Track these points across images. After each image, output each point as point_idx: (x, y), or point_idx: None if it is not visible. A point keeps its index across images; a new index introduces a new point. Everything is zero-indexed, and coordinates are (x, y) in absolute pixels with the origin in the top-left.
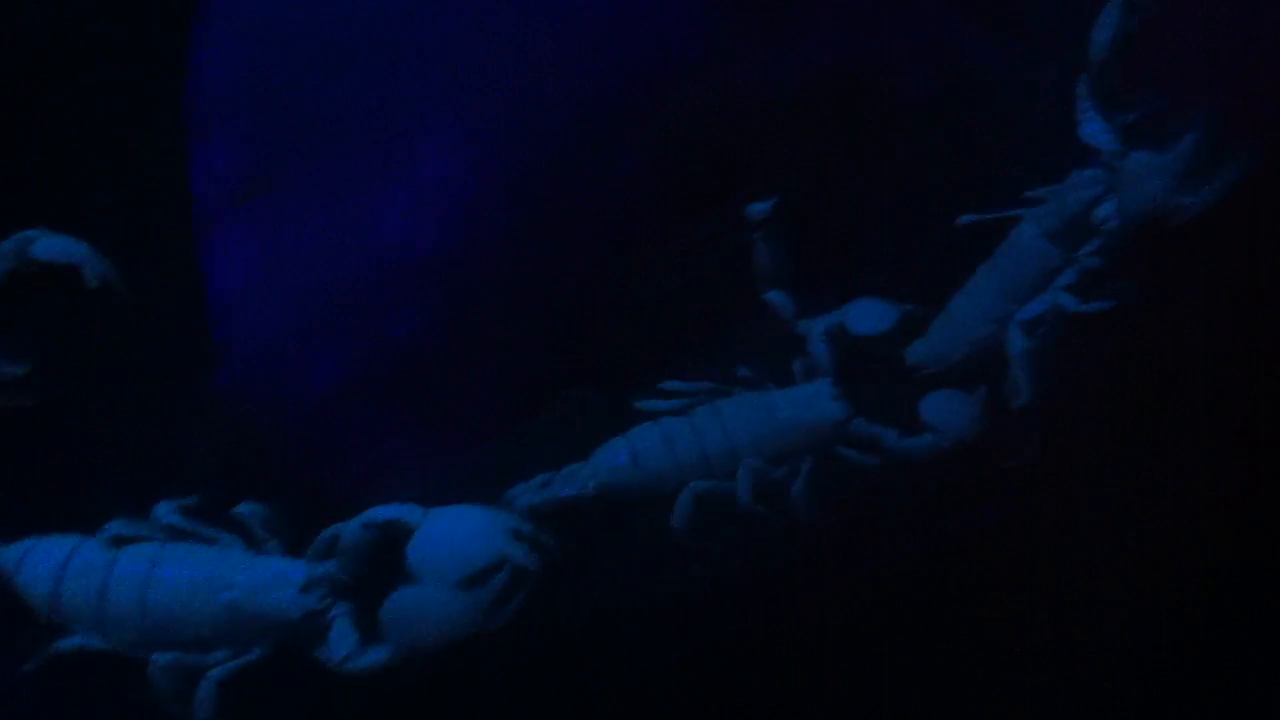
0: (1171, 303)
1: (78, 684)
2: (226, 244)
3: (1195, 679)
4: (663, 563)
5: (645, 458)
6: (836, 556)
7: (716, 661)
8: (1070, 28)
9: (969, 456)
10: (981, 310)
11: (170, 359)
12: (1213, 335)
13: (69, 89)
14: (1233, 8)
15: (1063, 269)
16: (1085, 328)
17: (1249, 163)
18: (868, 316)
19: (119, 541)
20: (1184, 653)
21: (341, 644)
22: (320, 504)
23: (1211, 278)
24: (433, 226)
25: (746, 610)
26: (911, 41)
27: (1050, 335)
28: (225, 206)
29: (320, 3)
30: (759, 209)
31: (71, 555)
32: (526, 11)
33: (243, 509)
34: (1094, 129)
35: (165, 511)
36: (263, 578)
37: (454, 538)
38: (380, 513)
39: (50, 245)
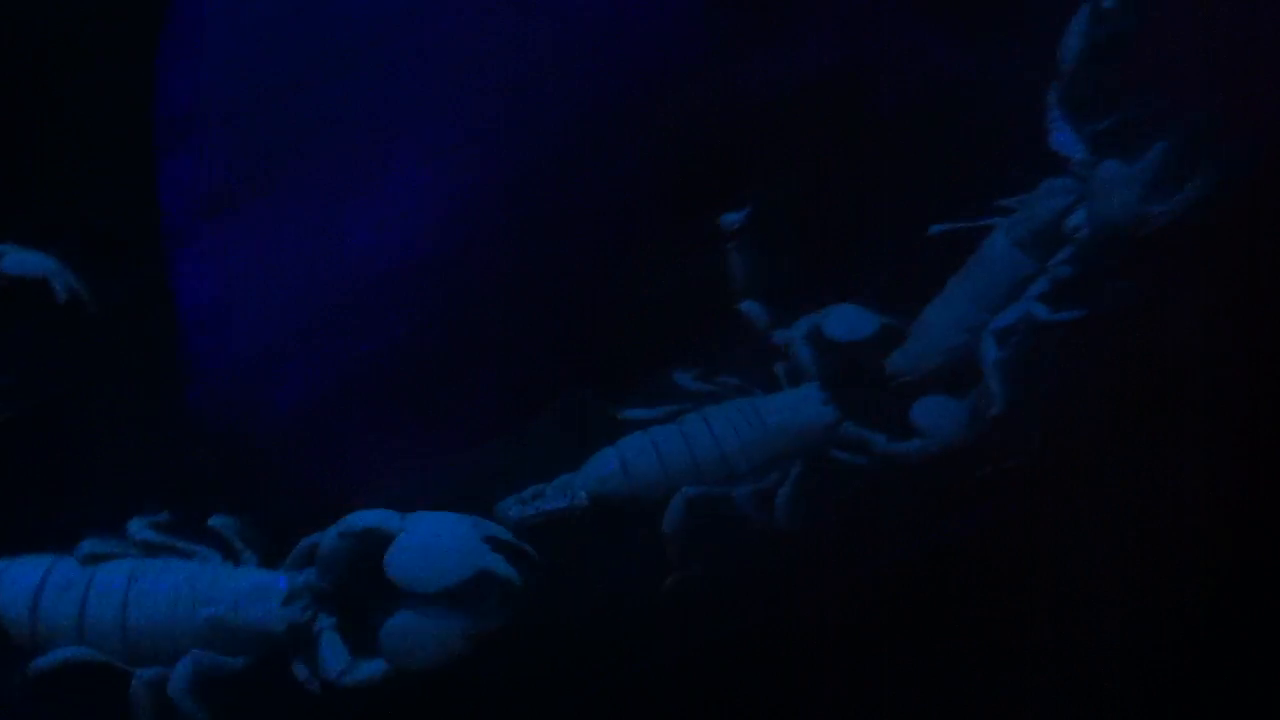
0: (1171, 303)
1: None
2: (196, 258)
3: (1195, 679)
4: (658, 566)
5: (635, 466)
6: (836, 556)
7: (716, 661)
8: (1040, 36)
9: (967, 457)
10: (955, 319)
11: (141, 374)
12: (1212, 335)
13: (36, 103)
14: (1203, 16)
15: (1035, 278)
16: (1085, 329)
17: (1218, 173)
18: (846, 322)
19: (94, 559)
20: (1184, 653)
21: (335, 659)
22: (294, 515)
23: (1211, 278)
24: (404, 238)
25: (746, 610)
26: (888, 51)
27: (1023, 344)
28: (195, 220)
29: (290, 15)
30: (732, 219)
31: (47, 575)
32: (505, 19)
33: (216, 521)
34: (1064, 138)
35: (139, 527)
36: (244, 592)
37: (431, 550)
38: (357, 520)
39: (19, 260)
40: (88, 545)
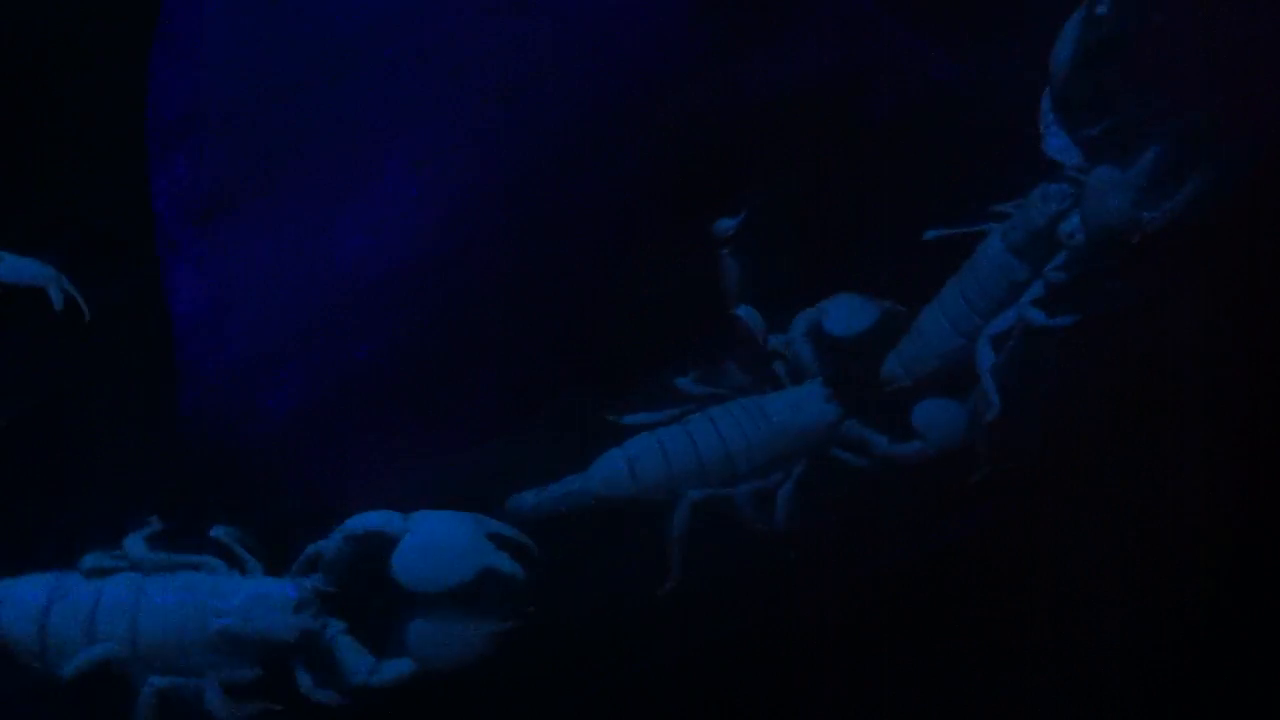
0: (1171, 303)
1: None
2: (190, 263)
3: (1195, 679)
4: (659, 566)
5: (642, 467)
6: (836, 556)
7: (716, 661)
8: (1034, 41)
9: (967, 459)
10: (950, 324)
11: (135, 380)
12: (1212, 335)
13: (30, 110)
14: (1198, 18)
15: (1029, 283)
16: (1083, 330)
17: (1214, 176)
18: (845, 314)
19: (99, 573)
20: (1184, 653)
21: (359, 660)
22: (293, 520)
23: (1211, 278)
24: (401, 241)
25: (746, 610)
26: (885, 55)
27: (1018, 349)
28: (189, 226)
29: (281, 21)
30: (727, 225)
31: (53, 592)
32: (502, 21)
33: (218, 532)
34: (1058, 143)
35: (140, 540)
36: (253, 601)
37: (436, 550)
38: (361, 523)
39: (14, 267)
40: (91, 560)
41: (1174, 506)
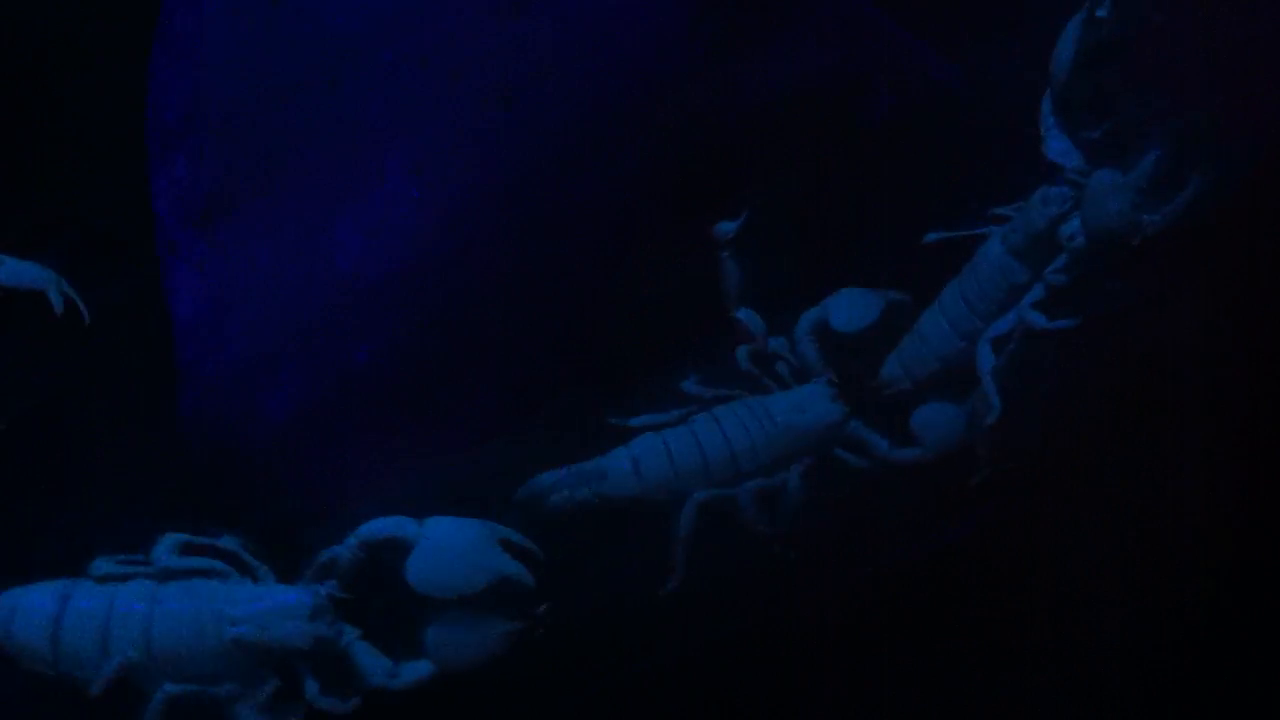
0: (1171, 303)
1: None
2: (190, 265)
3: (1195, 679)
4: (660, 566)
5: (647, 466)
6: (836, 556)
7: (716, 661)
8: (1034, 44)
9: (967, 461)
10: (950, 326)
11: (135, 383)
12: (1212, 335)
13: (30, 111)
14: (1198, 20)
15: (1029, 286)
16: (1083, 331)
17: (1214, 178)
18: (851, 309)
19: (111, 580)
20: (1184, 653)
21: (377, 664)
22: (293, 523)
23: (1211, 278)
24: (400, 243)
25: (746, 610)
26: (885, 56)
27: (1018, 352)
28: (188, 228)
29: (281, 23)
30: (727, 228)
31: (65, 600)
32: (500, 23)
33: (227, 543)
34: (1058, 146)
35: (167, 547)
36: (269, 610)
37: (450, 557)
38: (376, 529)
39: (15, 270)
40: (103, 566)
41: (1174, 506)
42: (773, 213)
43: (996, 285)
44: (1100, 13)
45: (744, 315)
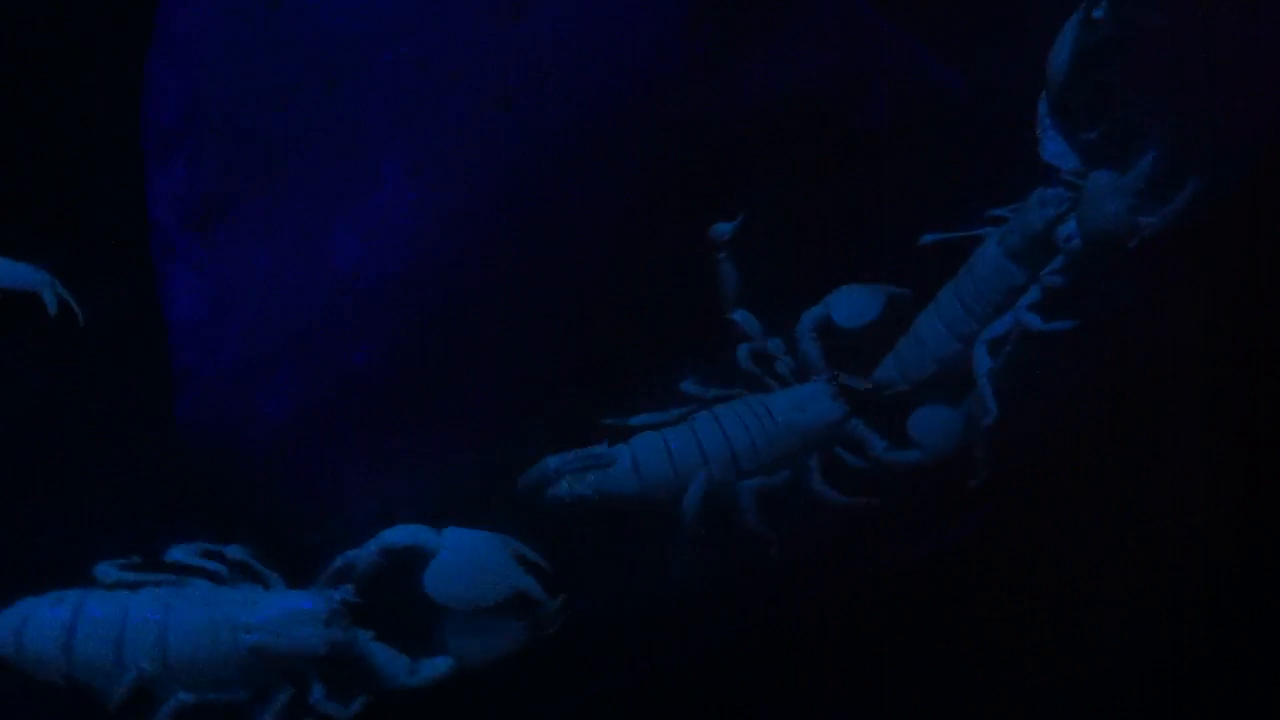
0: (1169, 304)
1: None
2: (186, 269)
3: (1195, 679)
4: (661, 566)
5: (647, 464)
6: (836, 556)
7: (716, 661)
8: (1031, 46)
9: (966, 463)
10: (947, 328)
11: (131, 386)
12: (1212, 335)
13: (27, 113)
14: (1195, 21)
15: (1026, 287)
16: (1081, 331)
17: (1211, 179)
18: (852, 305)
19: (120, 587)
20: (1184, 653)
21: (395, 663)
22: (292, 525)
23: (1209, 279)
24: (399, 245)
25: (746, 610)
26: (882, 59)
27: (1015, 354)
28: (186, 230)
29: (278, 25)
30: (723, 229)
31: (77, 610)
32: (498, 26)
33: (234, 552)
34: (1055, 147)
35: (182, 553)
36: (284, 616)
37: (469, 571)
38: (397, 537)
39: (7, 272)
40: (110, 572)
41: (1172, 507)
42: (771, 214)
43: (993, 287)
44: (1096, 14)
45: (740, 317)
